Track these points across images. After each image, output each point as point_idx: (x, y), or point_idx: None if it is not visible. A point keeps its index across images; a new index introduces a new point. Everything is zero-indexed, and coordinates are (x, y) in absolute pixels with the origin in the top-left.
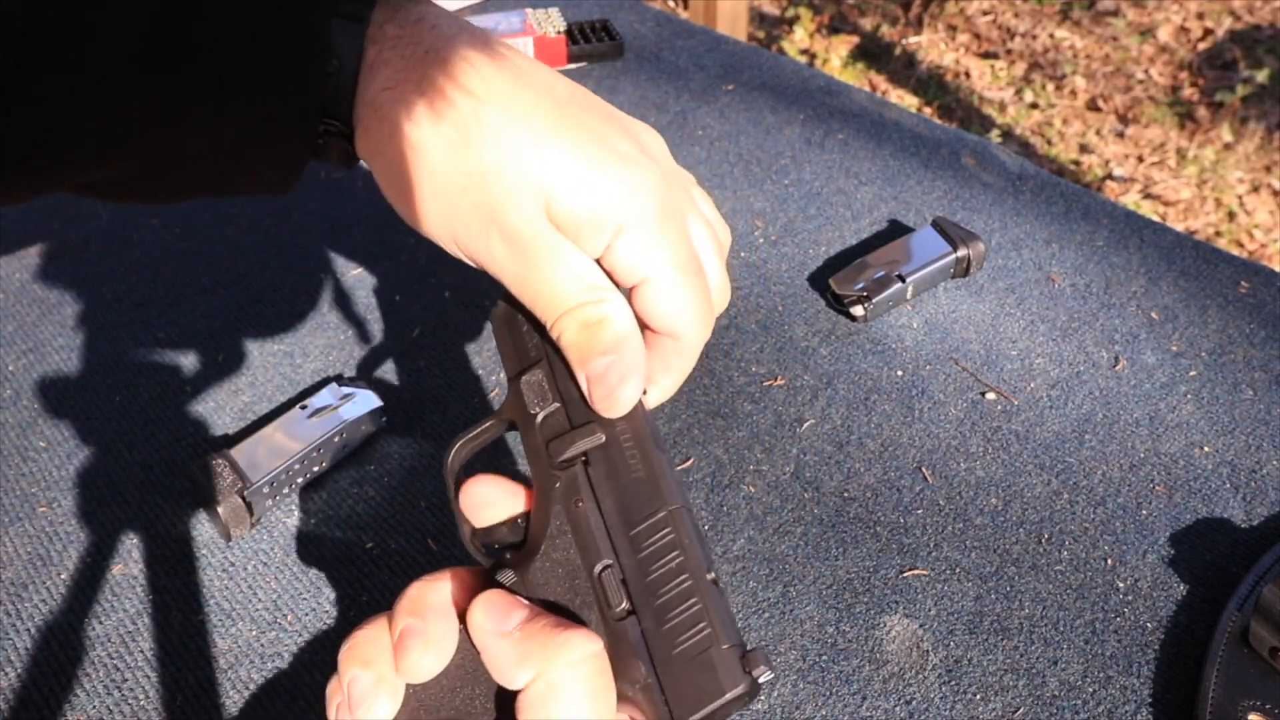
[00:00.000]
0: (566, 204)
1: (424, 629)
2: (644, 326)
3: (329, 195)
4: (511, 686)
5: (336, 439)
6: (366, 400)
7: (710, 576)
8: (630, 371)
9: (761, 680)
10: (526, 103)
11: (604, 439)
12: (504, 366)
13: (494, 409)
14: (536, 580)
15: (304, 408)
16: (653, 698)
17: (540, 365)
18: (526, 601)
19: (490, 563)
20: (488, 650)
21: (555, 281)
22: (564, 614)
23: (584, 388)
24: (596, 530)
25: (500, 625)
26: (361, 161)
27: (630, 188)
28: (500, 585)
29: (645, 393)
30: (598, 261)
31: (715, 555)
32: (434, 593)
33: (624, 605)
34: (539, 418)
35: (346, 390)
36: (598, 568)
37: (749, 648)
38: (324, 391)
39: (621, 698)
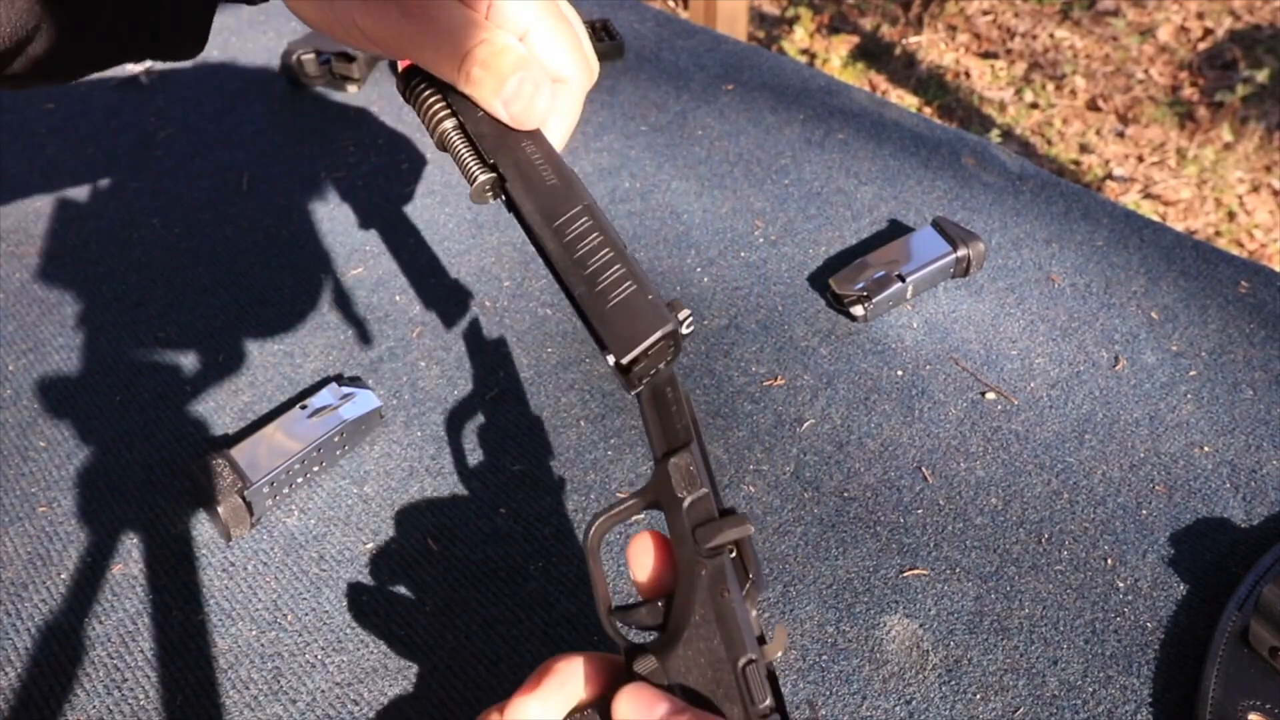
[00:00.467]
0: None
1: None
2: None
3: (329, 195)
4: None
5: (336, 439)
6: (366, 400)
7: (628, 251)
8: (540, 82)
9: (683, 319)
10: None
11: (751, 530)
12: (650, 446)
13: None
14: (678, 668)
15: (304, 408)
16: None
17: (690, 448)
18: (670, 696)
19: (625, 644)
20: None
21: (452, 32)
22: (706, 705)
23: (503, 114)
24: (743, 623)
25: (645, 718)
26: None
27: None
28: (637, 673)
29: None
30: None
31: None
32: (564, 662)
33: (768, 702)
34: (686, 503)
35: (346, 390)
36: (742, 661)
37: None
38: (324, 391)
39: None
